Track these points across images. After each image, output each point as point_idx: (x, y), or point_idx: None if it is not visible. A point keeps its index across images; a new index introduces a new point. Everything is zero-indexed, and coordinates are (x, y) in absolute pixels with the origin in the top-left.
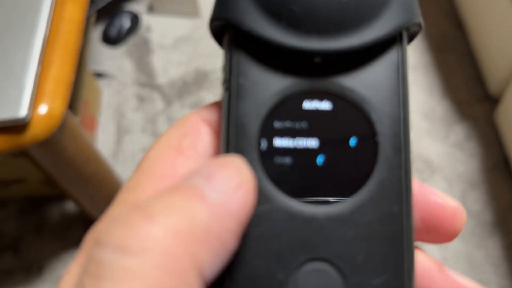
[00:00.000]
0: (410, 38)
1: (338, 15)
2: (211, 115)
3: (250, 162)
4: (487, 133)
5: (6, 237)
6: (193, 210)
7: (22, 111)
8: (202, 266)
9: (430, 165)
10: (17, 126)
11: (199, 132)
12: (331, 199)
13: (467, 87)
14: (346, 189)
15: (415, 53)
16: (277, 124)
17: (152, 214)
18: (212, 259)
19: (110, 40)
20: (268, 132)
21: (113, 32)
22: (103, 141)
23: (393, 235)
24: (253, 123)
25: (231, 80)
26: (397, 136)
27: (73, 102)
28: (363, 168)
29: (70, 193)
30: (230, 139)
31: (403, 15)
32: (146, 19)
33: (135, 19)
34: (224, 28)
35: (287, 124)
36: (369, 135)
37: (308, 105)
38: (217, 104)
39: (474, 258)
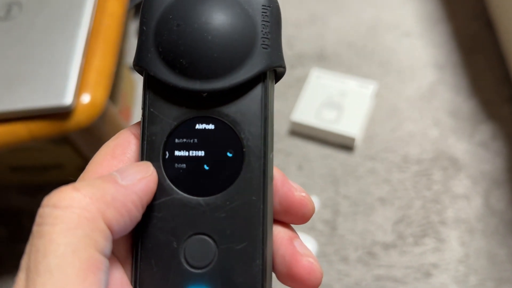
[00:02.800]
0: (280, 75)
1: (213, 65)
2: (139, 130)
3: (156, 167)
4: None
5: None
6: (105, 186)
7: (67, 99)
8: (109, 219)
9: (455, 163)
10: (62, 113)
11: (129, 142)
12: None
13: (494, 87)
14: (222, 186)
15: (444, 53)
16: (177, 140)
17: (77, 187)
18: (118, 217)
19: None
20: (170, 146)
21: None
22: None
23: (252, 216)
24: (159, 140)
25: (144, 108)
26: (257, 148)
27: (113, 93)
28: (234, 171)
29: None
30: (143, 151)
31: (262, 62)
32: None
33: None
34: (141, 71)
35: (184, 140)
36: (239, 148)
37: (199, 126)
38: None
39: (497, 255)
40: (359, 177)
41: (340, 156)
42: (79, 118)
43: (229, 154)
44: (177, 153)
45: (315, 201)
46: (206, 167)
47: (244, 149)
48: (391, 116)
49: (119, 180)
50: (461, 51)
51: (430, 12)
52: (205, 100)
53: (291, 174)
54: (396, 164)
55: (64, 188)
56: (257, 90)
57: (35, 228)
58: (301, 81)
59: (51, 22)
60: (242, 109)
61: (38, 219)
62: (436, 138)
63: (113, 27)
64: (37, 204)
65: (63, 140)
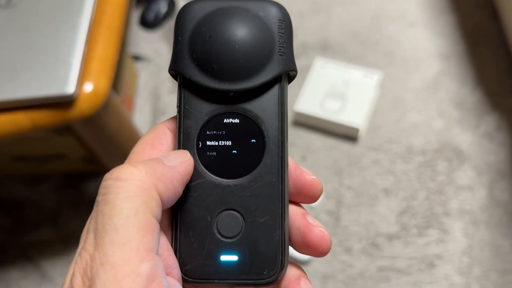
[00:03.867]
0: (292, 78)
1: (239, 70)
2: (173, 125)
3: (191, 154)
4: None
5: (46, 211)
6: (156, 165)
7: (70, 88)
8: (160, 191)
9: (460, 154)
10: (65, 102)
11: (165, 135)
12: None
13: (499, 78)
14: (246, 169)
15: (448, 43)
16: (208, 132)
17: (134, 164)
18: (166, 191)
19: (148, 24)
20: (202, 137)
21: (150, 16)
22: (140, 122)
23: (272, 195)
24: (193, 132)
25: (180, 105)
26: (276, 138)
27: (116, 82)
28: (256, 157)
29: (110, 169)
30: (180, 141)
31: (279, 67)
32: (182, 4)
33: (171, 4)
34: (176, 74)
35: (214, 132)
36: (260, 138)
37: (226, 120)
38: (176, 118)
39: (501, 247)
40: (363, 168)
41: (344, 146)
42: (82, 107)
43: (252, 144)
44: (208, 143)
45: None
46: (233, 155)
47: (265, 139)
48: (395, 107)
49: (165, 161)
50: (466, 42)
51: (435, 2)
52: (232, 98)
53: None
54: (400, 155)
55: (122, 165)
56: (275, 90)
57: (100, 197)
58: (304, 71)
59: (53, 10)
60: (263, 106)
61: (102, 189)
62: (441, 129)
63: (116, 15)
64: (39, 194)
65: (66, 130)
